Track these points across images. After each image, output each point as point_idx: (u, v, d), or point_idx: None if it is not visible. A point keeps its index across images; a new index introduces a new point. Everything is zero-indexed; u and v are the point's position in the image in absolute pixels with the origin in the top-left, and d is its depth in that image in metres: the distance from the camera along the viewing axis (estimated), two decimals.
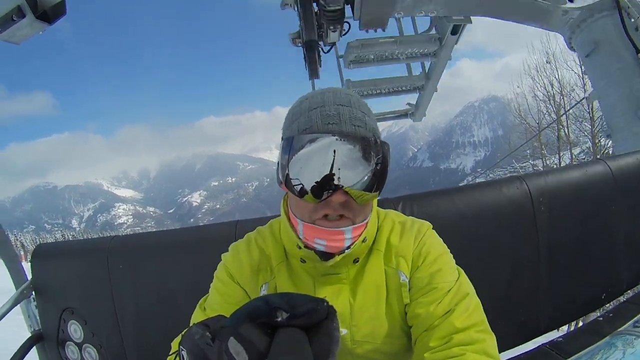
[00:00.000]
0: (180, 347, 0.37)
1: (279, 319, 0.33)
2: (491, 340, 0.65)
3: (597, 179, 1.72)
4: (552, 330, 1.64)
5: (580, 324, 1.86)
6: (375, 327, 0.72)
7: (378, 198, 0.74)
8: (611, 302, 1.76)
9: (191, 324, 0.42)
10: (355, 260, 0.71)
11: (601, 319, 1.67)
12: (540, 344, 1.58)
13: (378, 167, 0.61)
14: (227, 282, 0.76)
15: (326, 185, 0.59)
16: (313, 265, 0.70)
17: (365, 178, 0.60)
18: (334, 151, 0.57)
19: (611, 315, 1.67)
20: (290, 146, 0.60)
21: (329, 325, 0.34)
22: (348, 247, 0.66)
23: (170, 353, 0.55)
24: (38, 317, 1.61)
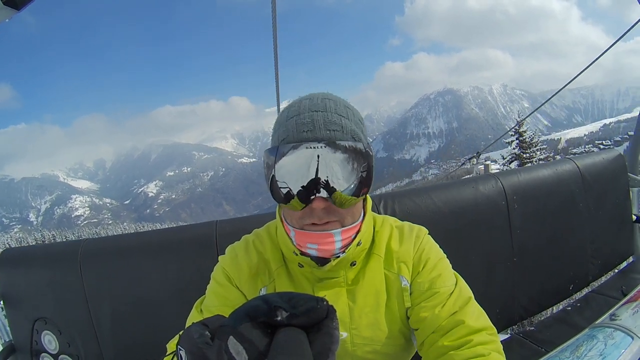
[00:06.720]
0: (179, 347, 0.36)
1: (279, 318, 0.33)
2: (500, 343, 0.68)
3: (566, 177, 1.82)
4: (525, 320, 1.73)
5: (549, 313, 1.96)
6: (375, 330, 0.73)
7: (367, 199, 0.74)
8: (578, 293, 1.87)
9: (187, 326, 0.41)
10: (353, 263, 0.71)
11: (569, 308, 1.77)
12: (511, 333, 1.65)
13: (356, 169, 0.59)
14: (225, 284, 0.75)
15: (304, 194, 0.58)
16: (310, 270, 0.71)
17: (344, 182, 0.59)
18: (307, 158, 0.57)
19: (579, 305, 1.77)
20: (270, 157, 0.60)
21: (329, 324, 0.34)
22: (342, 251, 0.66)
23: (167, 354, 0.53)
24: (8, 328, 1.53)
